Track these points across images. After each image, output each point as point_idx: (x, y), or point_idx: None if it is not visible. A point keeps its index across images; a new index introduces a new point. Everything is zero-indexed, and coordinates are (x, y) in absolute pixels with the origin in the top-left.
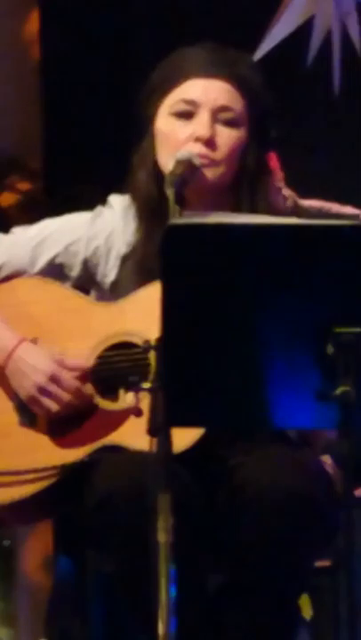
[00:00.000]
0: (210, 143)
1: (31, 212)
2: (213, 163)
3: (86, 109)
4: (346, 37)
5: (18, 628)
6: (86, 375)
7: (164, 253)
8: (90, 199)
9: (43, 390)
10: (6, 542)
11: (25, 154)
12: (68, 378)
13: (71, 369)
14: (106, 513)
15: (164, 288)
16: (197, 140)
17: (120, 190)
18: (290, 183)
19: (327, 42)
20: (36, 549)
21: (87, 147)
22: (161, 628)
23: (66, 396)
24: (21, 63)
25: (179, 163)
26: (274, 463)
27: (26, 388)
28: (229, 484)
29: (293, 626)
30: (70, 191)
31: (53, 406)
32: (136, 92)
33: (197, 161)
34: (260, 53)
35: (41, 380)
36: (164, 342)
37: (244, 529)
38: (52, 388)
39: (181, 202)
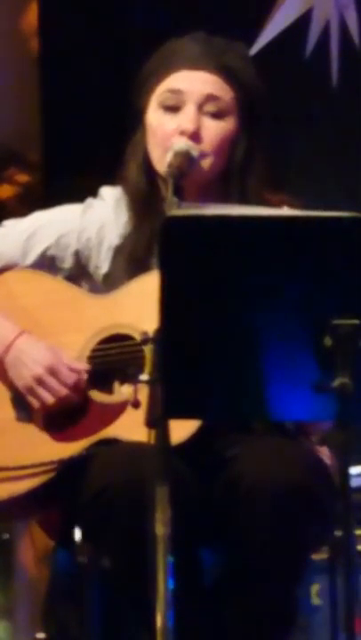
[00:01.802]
0: (195, 136)
1: (30, 204)
2: (200, 155)
3: (85, 102)
4: (344, 29)
5: (16, 621)
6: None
7: (163, 245)
8: (88, 191)
9: (40, 381)
10: (5, 536)
11: (24, 146)
12: (67, 372)
13: (69, 369)
14: (103, 505)
15: (162, 279)
16: (182, 133)
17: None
18: (289, 175)
19: (326, 34)
20: (34, 543)
21: (86, 139)
22: (159, 621)
23: (62, 390)
24: (20, 56)
25: (177, 154)
26: (271, 454)
27: (24, 378)
28: (227, 476)
29: (292, 617)
30: (69, 184)
31: (49, 398)
32: (135, 84)
33: (195, 152)
34: (258, 45)
35: (39, 371)
36: (162, 334)
37: (242, 520)
38: (50, 380)
39: (180, 193)
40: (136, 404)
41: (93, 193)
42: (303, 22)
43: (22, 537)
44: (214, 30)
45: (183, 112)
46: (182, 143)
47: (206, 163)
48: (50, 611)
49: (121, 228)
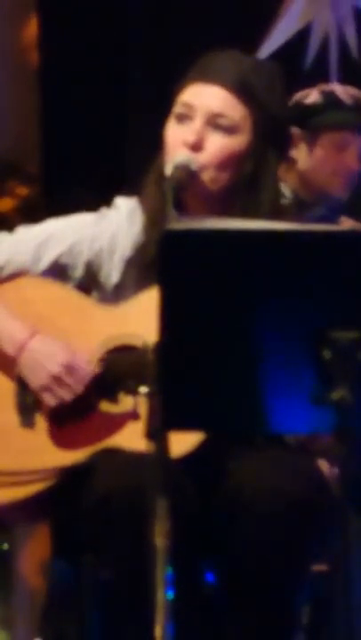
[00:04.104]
0: (196, 147)
1: (30, 217)
2: (199, 167)
3: (84, 115)
4: (343, 43)
5: (15, 632)
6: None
7: (161, 258)
8: (88, 204)
9: (58, 380)
10: (5, 546)
11: (23, 159)
12: (84, 368)
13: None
14: (103, 515)
15: (161, 292)
16: (184, 144)
17: (119, 194)
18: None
19: (325, 47)
20: (34, 554)
21: (85, 151)
22: (158, 633)
23: (80, 388)
24: (20, 68)
25: (176, 168)
26: (271, 467)
27: (40, 377)
28: (226, 488)
29: (292, 630)
30: (68, 196)
31: (67, 396)
32: (134, 97)
33: (194, 166)
34: None
35: (57, 369)
36: (162, 346)
37: (242, 532)
38: (68, 378)
39: (180, 207)
40: (134, 417)
41: (93, 206)
42: (303, 36)
43: (22, 547)
44: (213, 44)
45: (191, 124)
46: (183, 156)
47: (206, 176)
48: (47, 620)
49: (134, 239)
